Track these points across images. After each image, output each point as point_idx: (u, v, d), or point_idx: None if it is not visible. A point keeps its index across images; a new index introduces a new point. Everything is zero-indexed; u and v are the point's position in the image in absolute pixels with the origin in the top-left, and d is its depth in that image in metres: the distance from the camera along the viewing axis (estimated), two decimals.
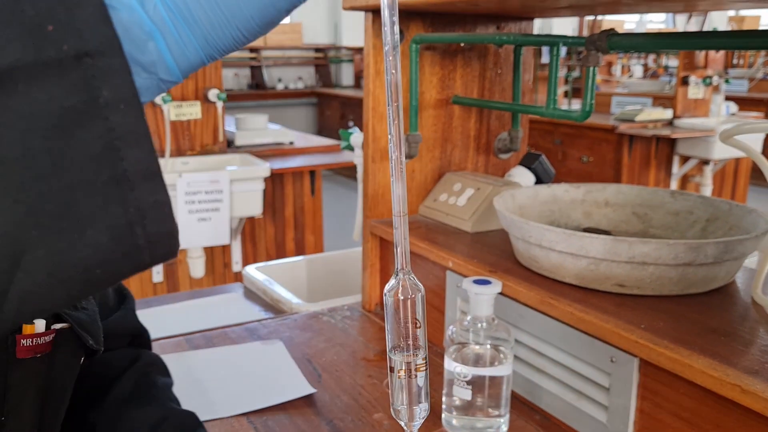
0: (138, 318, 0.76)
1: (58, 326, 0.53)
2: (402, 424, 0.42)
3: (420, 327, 0.41)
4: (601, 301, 0.84)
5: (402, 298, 0.40)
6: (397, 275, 0.41)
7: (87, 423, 0.66)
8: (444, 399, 0.87)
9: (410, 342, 0.41)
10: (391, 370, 0.42)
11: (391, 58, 0.37)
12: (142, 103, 0.31)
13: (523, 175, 1.19)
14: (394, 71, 0.38)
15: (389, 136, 0.38)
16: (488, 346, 0.83)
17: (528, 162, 1.20)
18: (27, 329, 0.50)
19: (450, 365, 0.84)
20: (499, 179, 1.18)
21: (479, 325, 0.83)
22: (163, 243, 0.31)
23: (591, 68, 0.97)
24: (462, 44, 1.20)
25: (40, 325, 0.51)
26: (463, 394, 0.83)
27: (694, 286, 0.85)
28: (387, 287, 0.41)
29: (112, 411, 0.66)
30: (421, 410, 0.42)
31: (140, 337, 0.77)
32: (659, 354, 0.73)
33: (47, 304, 0.30)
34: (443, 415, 0.87)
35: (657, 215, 1.06)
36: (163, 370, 0.75)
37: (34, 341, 0.51)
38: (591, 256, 0.84)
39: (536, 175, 1.20)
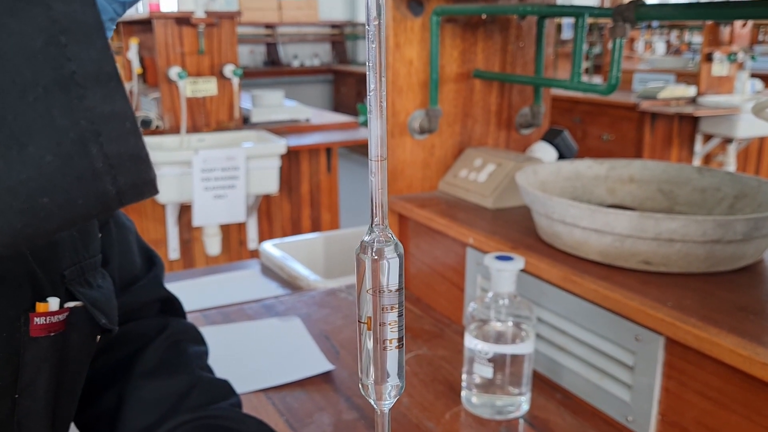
0: (164, 286, 0.72)
1: (71, 305, 0.52)
2: (371, 401, 0.39)
3: (398, 291, 0.37)
4: (626, 279, 0.82)
5: (376, 257, 0.36)
6: (372, 231, 0.37)
7: (113, 397, 0.64)
8: (464, 377, 0.85)
9: (386, 308, 0.37)
10: (361, 339, 0.38)
11: None
12: None
13: (545, 151, 1.17)
14: None
15: (368, 64, 0.33)
16: (510, 324, 0.82)
17: (550, 137, 1.18)
18: (40, 307, 0.49)
19: (470, 342, 0.83)
20: (521, 155, 1.16)
21: (501, 302, 0.81)
22: (128, 168, 0.25)
23: (617, 40, 0.94)
24: (484, 17, 1.17)
25: (53, 303, 0.50)
26: (484, 371, 0.82)
27: (722, 264, 0.83)
28: (359, 246, 0.37)
29: (139, 383, 0.63)
30: (392, 388, 0.38)
31: (170, 303, 0.73)
32: (686, 332, 0.71)
33: None
34: (463, 393, 0.86)
35: (683, 192, 1.04)
36: (196, 338, 0.72)
37: (48, 320, 0.49)
38: (616, 232, 0.82)
39: (558, 151, 1.17)
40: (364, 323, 0.38)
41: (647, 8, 0.91)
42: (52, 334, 0.50)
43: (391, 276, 0.37)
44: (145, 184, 0.26)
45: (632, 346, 0.78)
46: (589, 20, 1.01)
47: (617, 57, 0.94)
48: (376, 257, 0.37)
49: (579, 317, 0.85)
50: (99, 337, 0.59)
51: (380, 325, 0.38)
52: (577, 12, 0.98)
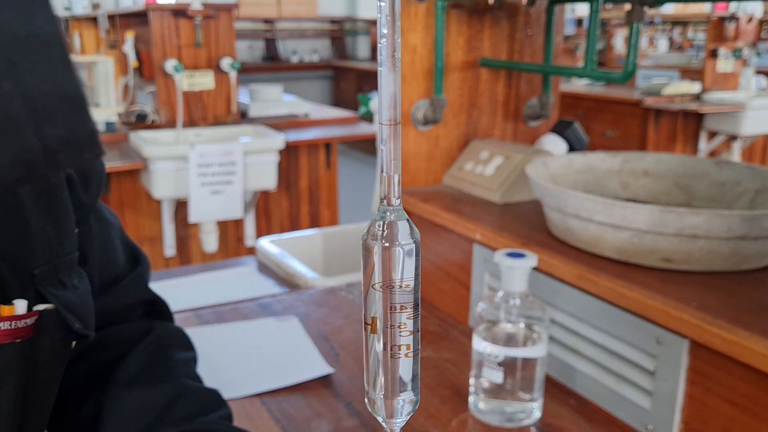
0: (149, 287, 0.67)
1: (41, 307, 0.47)
2: (379, 419, 0.33)
3: (413, 287, 0.31)
4: (646, 277, 0.77)
5: (386, 244, 0.30)
6: (383, 212, 0.30)
7: (91, 408, 0.58)
8: (471, 381, 0.80)
9: (396, 308, 0.31)
10: (367, 345, 0.32)
11: None
12: None
13: (554, 143, 1.12)
14: None
15: (379, 4, 0.28)
16: (521, 325, 0.77)
17: (560, 129, 1.13)
18: (5, 311, 0.44)
19: (479, 345, 0.77)
20: (529, 147, 1.11)
21: (512, 302, 0.76)
22: (57, 114, 0.18)
23: (635, 24, 0.89)
24: (491, 2, 1.11)
25: (20, 306, 0.45)
26: (494, 376, 0.76)
27: (748, 262, 0.78)
28: (366, 231, 0.30)
29: (119, 392, 0.58)
30: (405, 403, 0.32)
31: (155, 305, 0.68)
32: (713, 335, 0.66)
33: None
34: (470, 398, 0.81)
35: (700, 186, 0.99)
36: (183, 343, 0.67)
37: (14, 324, 0.44)
38: (634, 227, 0.77)
39: (569, 143, 1.12)
40: (370, 325, 0.33)
41: None
42: (19, 340, 0.45)
43: (405, 268, 0.31)
44: (83, 139, 0.19)
45: (653, 349, 0.73)
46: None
47: (634, 42, 0.89)
48: (386, 244, 0.31)
49: (595, 318, 0.80)
50: (74, 342, 0.54)
51: (390, 327, 0.32)
52: None
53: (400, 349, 0.32)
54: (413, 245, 0.30)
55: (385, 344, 0.32)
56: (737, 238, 0.75)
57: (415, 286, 0.32)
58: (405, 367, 0.32)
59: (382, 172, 0.31)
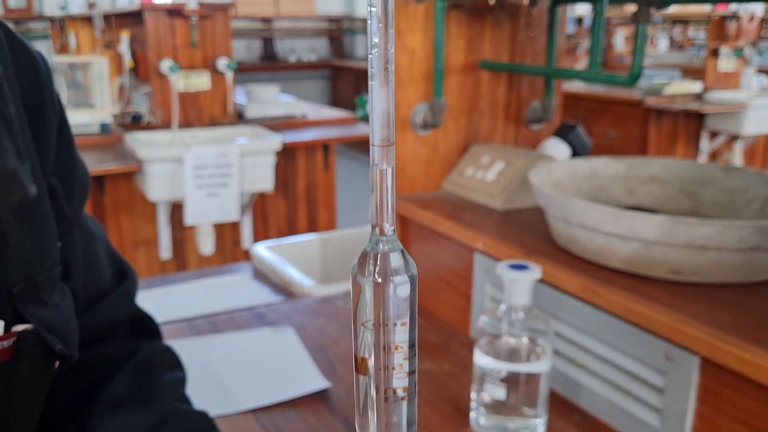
0: (136, 303, 0.64)
1: (20, 328, 0.44)
2: None
3: (406, 325, 0.28)
4: (654, 290, 0.74)
5: (379, 280, 0.27)
6: (375, 244, 0.28)
7: None
8: (473, 395, 0.77)
9: (391, 348, 0.28)
10: (358, 385, 0.29)
11: None
12: None
13: (557, 148, 1.09)
14: None
15: (369, 9, 0.25)
16: (525, 339, 0.74)
17: (563, 133, 1.10)
18: None
19: (481, 360, 0.74)
20: (531, 152, 1.08)
21: (515, 315, 0.73)
22: None
23: (641, 26, 0.86)
24: (491, 2, 1.08)
25: None
26: (496, 392, 0.73)
27: (759, 273, 0.75)
28: (356, 263, 0.28)
29: (104, 416, 0.55)
30: None
31: (143, 322, 0.65)
32: (726, 353, 0.63)
33: None
34: (471, 414, 0.78)
35: (708, 193, 0.96)
36: (172, 363, 0.64)
37: None
38: (643, 238, 0.74)
39: (572, 148, 1.09)
40: (359, 365, 0.30)
41: None
42: None
43: (399, 305, 0.29)
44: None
45: (662, 365, 0.70)
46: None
47: (640, 45, 0.86)
48: (379, 280, 0.28)
49: (601, 332, 0.77)
50: (58, 362, 0.51)
51: (383, 369, 0.29)
52: None
53: (395, 392, 0.29)
54: (408, 282, 0.27)
55: (378, 387, 0.29)
56: (749, 249, 0.72)
57: (411, 323, 0.29)
58: (400, 412, 0.29)
59: (373, 193, 0.28)
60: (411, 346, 0.29)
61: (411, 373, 0.30)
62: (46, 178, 0.50)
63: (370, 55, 0.26)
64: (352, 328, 0.29)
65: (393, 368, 0.29)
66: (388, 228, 0.28)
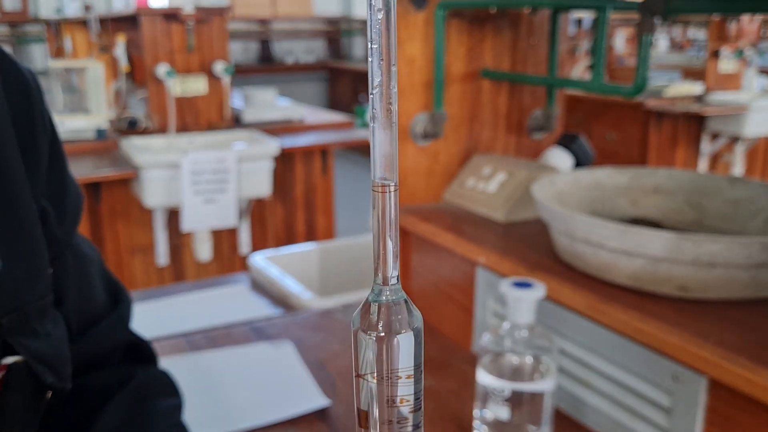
0: (131, 328, 0.62)
1: (10, 360, 0.42)
2: None
3: (412, 378, 0.27)
4: (661, 308, 0.72)
5: (383, 334, 0.26)
6: (379, 295, 0.26)
7: None
8: (475, 413, 0.76)
9: (395, 401, 0.26)
10: None
11: None
12: None
13: (560, 157, 1.07)
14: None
15: (370, 46, 0.24)
16: (528, 357, 0.72)
17: (566, 143, 1.08)
18: None
19: (484, 378, 0.73)
20: (534, 163, 1.06)
21: (518, 333, 0.72)
22: None
23: (645, 36, 0.84)
24: (493, 10, 1.07)
25: None
26: (500, 412, 0.72)
27: (767, 290, 0.74)
28: (357, 312, 0.26)
29: None
30: None
31: (136, 348, 0.63)
32: (735, 375, 0.61)
33: None
34: None
35: (713, 204, 0.94)
36: (167, 390, 0.62)
37: None
38: (649, 254, 0.73)
39: (575, 158, 1.07)
40: (360, 418, 0.28)
41: (679, 1, 0.81)
42: None
43: (404, 358, 0.27)
44: None
45: (669, 385, 0.69)
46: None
47: (644, 55, 0.85)
48: (382, 333, 0.27)
49: (606, 350, 0.75)
50: (50, 393, 0.49)
51: (388, 423, 0.28)
52: (599, 4, 0.88)
53: None
54: (412, 335, 0.26)
55: None
56: (757, 265, 0.71)
57: (417, 375, 0.27)
58: None
59: (375, 240, 0.26)
60: (417, 398, 0.28)
61: (416, 427, 0.28)
62: (36, 201, 0.48)
63: (372, 95, 0.24)
64: (354, 382, 0.27)
65: (399, 422, 0.28)
66: (391, 276, 0.26)
